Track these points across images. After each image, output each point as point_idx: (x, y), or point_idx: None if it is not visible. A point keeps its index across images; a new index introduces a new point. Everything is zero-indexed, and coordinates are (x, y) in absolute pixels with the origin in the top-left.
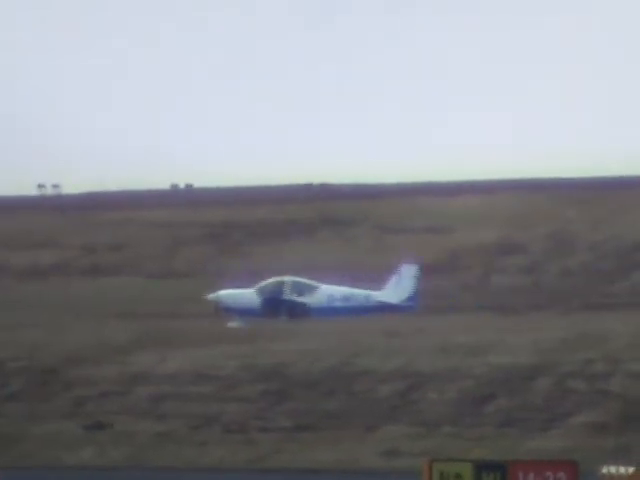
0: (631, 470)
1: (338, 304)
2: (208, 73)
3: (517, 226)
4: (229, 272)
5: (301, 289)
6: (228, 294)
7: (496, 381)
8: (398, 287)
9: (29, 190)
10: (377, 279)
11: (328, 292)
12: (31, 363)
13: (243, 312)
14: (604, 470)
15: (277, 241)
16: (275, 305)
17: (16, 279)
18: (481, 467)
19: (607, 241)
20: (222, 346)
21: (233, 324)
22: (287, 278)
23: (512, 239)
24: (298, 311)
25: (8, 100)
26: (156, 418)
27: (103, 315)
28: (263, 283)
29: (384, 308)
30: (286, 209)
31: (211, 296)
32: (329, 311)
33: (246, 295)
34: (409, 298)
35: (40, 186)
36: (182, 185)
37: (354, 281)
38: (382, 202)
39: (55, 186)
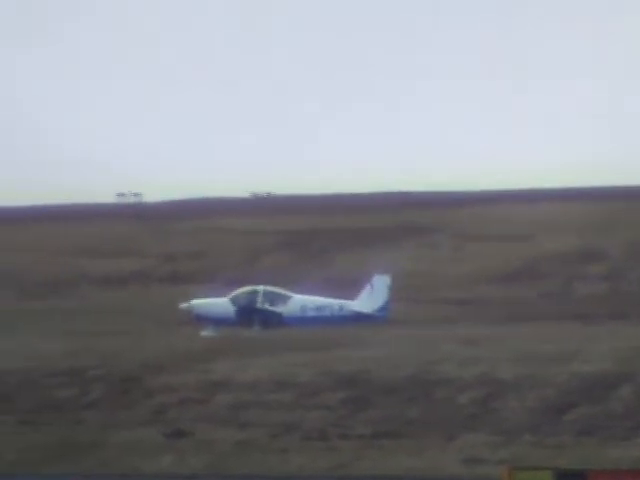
0: None
1: (311, 314)
2: (287, 83)
3: (597, 233)
4: (309, 280)
5: (274, 299)
6: (201, 303)
7: (577, 389)
8: (371, 297)
9: (109, 198)
10: (458, 286)
11: (301, 302)
12: (111, 371)
13: (217, 321)
14: None
15: (358, 249)
16: (249, 314)
17: (96, 287)
18: (561, 475)
19: None
20: (301, 353)
21: (206, 333)
22: (260, 287)
23: (592, 246)
24: (272, 321)
25: (89, 110)
26: (236, 426)
27: (183, 323)
28: (237, 292)
29: (358, 318)
30: (367, 217)
31: (184, 305)
32: (302, 321)
33: (220, 304)
34: (382, 308)
35: (120, 195)
36: (262, 193)
37: (437, 289)
38: (463, 210)
39: (136, 194)
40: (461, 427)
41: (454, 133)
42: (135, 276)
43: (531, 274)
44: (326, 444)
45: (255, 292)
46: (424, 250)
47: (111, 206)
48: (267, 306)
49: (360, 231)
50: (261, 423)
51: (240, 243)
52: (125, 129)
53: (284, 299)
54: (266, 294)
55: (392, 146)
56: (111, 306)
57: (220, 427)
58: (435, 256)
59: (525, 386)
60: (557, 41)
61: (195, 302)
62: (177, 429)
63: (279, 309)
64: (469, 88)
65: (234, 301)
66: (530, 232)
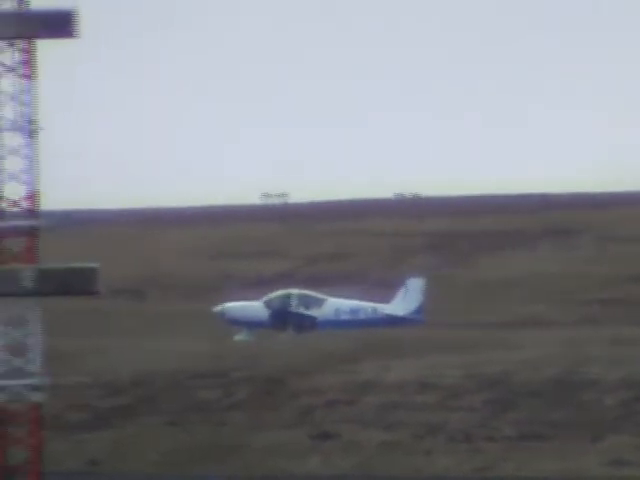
0: None
1: (345, 317)
2: (435, 86)
3: None
4: (453, 281)
5: (308, 302)
6: (235, 306)
7: None
8: (405, 300)
9: (255, 200)
10: (601, 287)
11: (335, 305)
12: (256, 373)
13: (251, 324)
14: None
15: (500, 251)
16: (283, 318)
17: (241, 288)
18: None
19: None
20: (444, 355)
21: (240, 337)
22: (295, 291)
23: None
24: (306, 324)
25: (241, 110)
26: (382, 427)
27: None
28: (271, 295)
29: (392, 321)
30: (509, 219)
31: (217, 308)
32: (336, 324)
33: (254, 307)
34: (416, 310)
35: (265, 195)
36: (407, 195)
37: (581, 290)
38: (604, 211)
39: (281, 195)
40: (606, 429)
41: (596, 137)
42: (280, 277)
43: None
44: (471, 446)
45: (289, 296)
46: (567, 251)
47: (256, 207)
48: (301, 309)
49: (504, 233)
50: (406, 424)
51: (384, 245)
52: (272, 128)
53: (318, 302)
54: (300, 297)
55: (535, 149)
56: None
57: (366, 428)
58: (578, 257)
59: None
60: None
61: (228, 305)
62: (323, 431)
63: (313, 312)
64: (605, 90)
65: (268, 304)
66: None
